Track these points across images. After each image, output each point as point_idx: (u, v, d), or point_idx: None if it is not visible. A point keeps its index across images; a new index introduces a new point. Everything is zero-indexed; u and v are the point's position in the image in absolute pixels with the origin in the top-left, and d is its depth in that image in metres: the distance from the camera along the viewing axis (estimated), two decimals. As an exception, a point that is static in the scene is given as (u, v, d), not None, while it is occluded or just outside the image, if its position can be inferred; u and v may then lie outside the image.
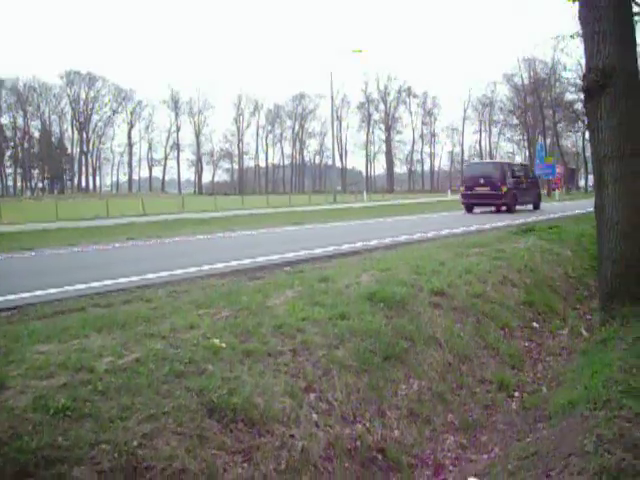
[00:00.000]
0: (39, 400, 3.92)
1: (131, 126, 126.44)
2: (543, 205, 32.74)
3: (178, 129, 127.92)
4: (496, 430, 6.07)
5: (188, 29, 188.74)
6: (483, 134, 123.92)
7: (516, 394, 6.97)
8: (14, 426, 3.62)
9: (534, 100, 75.33)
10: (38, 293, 7.95)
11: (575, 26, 37.59)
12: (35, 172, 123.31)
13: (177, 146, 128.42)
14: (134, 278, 9.12)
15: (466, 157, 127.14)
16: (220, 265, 10.54)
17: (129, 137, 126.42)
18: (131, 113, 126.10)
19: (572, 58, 60.21)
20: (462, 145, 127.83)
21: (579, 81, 53.04)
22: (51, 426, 3.69)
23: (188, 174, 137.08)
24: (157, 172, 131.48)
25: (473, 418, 6.24)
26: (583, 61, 8.98)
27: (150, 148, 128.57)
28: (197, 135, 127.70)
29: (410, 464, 5.24)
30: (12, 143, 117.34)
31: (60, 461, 3.48)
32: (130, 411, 4.07)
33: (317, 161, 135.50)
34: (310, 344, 5.84)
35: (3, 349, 4.87)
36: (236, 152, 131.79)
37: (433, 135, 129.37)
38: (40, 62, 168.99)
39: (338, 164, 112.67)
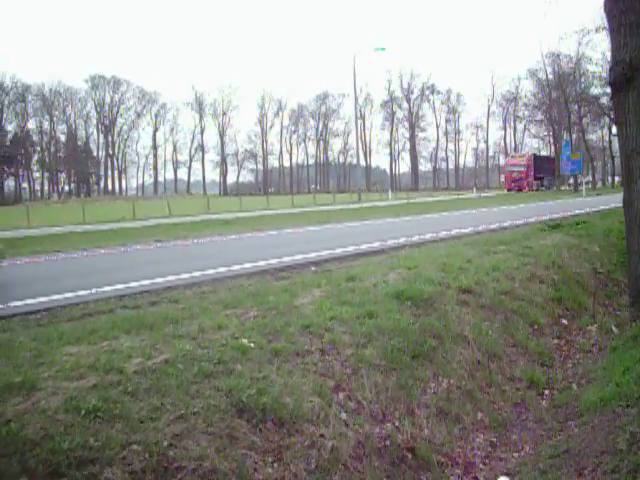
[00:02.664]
0: (70, 401, 3.95)
1: (156, 129, 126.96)
2: (571, 201, 32.53)
3: (202, 131, 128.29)
4: (526, 428, 6.03)
5: (211, 30, 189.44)
6: (508, 130, 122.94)
7: (546, 392, 6.92)
8: (46, 427, 3.65)
9: (559, 95, 74.45)
10: (68, 295, 8.02)
11: (600, 19, 37.27)
12: (62, 176, 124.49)
13: (202, 147, 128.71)
14: (159, 280, 9.17)
15: (491, 154, 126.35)
16: (248, 265, 10.56)
17: (154, 139, 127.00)
18: (155, 116, 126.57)
19: (597, 52, 59.49)
20: (487, 142, 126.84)
21: (605, 75, 52.53)
22: (82, 427, 3.72)
23: (213, 175, 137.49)
24: (182, 174, 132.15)
25: (503, 416, 6.20)
26: (609, 54, 8.88)
27: (175, 150, 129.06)
28: (221, 136, 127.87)
29: (440, 463, 5.22)
30: (39, 147, 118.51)
31: (92, 462, 3.51)
32: (160, 412, 4.09)
33: (341, 160, 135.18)
34: (338, 343, 5.84)
35: (34, 351, 4.92)
36: (260, 152, 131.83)
37: (457, 132, 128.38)
38: (65, 67, 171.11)
39: (362, 163, 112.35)
